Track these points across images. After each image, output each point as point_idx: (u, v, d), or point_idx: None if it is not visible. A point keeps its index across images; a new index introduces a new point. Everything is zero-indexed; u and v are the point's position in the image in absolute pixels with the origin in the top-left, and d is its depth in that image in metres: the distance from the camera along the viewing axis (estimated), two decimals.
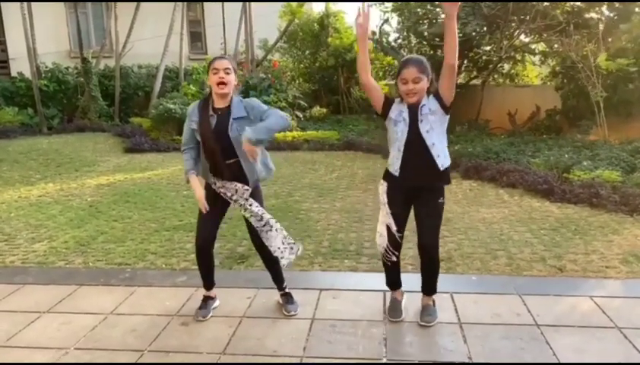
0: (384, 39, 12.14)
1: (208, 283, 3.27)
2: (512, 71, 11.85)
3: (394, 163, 2.93)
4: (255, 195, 3.09)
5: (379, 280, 3.37)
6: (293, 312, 3.20)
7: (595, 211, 5.36)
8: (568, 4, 9.58)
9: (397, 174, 2.93)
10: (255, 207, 3.06)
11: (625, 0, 9.16)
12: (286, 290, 3.33)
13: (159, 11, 12.95)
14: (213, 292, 3.31)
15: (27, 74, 12.00)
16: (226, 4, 14.26)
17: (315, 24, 13.72)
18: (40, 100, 11.48)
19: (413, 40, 11.80)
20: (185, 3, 13.00)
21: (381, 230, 3.03)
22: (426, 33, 10.68)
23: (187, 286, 3.65)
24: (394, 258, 3.05)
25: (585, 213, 5.31)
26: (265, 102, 10.84)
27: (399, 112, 2.90)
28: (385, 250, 3.02)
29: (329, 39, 13.22)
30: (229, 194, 3.05)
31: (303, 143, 9.69)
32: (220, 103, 3.01)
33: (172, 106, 9.92)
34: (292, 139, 9.81)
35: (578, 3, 9.57)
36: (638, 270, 3.83)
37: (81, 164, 8.34)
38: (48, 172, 7.82)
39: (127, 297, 3.50)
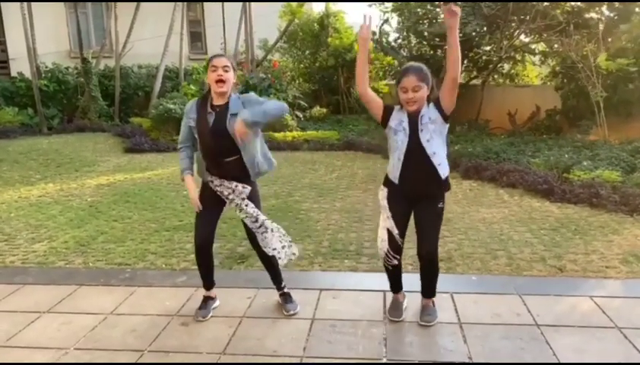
0: (384, 39, 12.14)
1: (208, 283, 3.27)
2: (512, 71, 11.85)
3: (394, 171, 2.92)
4: (253, 196, 3.08)
5: (379, 280, 3.37)
6: (292, 312, 3.20)
7: (595, 211, 5.36)
8: (568, 4, 9.58)
9: (396, 182, 2.92)
10: (251, 208, 3.05)
11: (626, 0, 9.16)
12: (285, 290, 3.32)
13: (159, 11, 12.95)
14: (213, 292, 3.31)
15: (27, 74, 12.00)
16: (226, 4, 14.26)
17: (315, 24, 13.72)
18: (40, 100, 11.48)
19: (413, 40, 11.80)
20: (185, 3, 13.01)
21: (382, 234, 3.02)
22: (426, 33, 10.68)
23: (187, 286, 3.65)
24: (395, 262, 3.05)
25: (585, 213, 5.32)
26: None
27: (399, 122, 2.88)
28: (386, 254, 3.01)
29: (329, 39, 13.22)
30: (225, 193, 3.04)
31: (303, 143, 9.69)
32: (218, 101, 3.00)
33: (172, 106, 9.92)
34: (292, 139, 9.81)
35: (578, 3, 9.57)
36: (638, 270, 3.83)
37: (81, 164, 8.34)
38: (48, 173, 7.82)
39: (127, 297, 3.50)
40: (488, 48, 10.40)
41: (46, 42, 12.86)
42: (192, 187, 3.11)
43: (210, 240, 3.14)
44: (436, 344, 2.88)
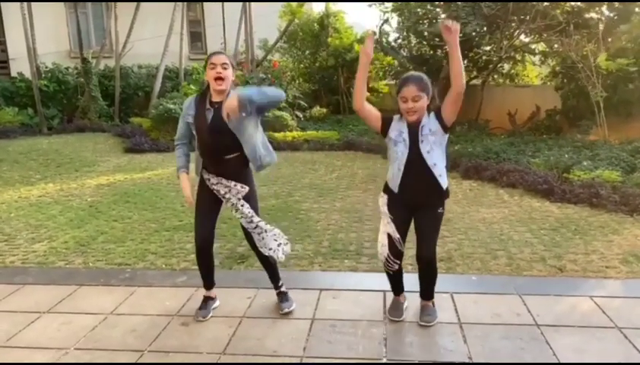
0: (384, 39, 12.14)
1: (208, 283, 3.27)
2: (512, 71, 11.86)
3: (394, 180, 2.92)
4: (250, 196, 3.08)
5: (379, 280, 3.37)
6: (286, 310, 3.20)
7: (595, 211, 5.36)
8: (568, 4, 9.58)
9: (396, 191, 2.92)
10: (246, 208, 3.05)
11: (626, 0, 9.16)
12: (282, 289, 3.32)
13: (159, 11, 12.95)
14: (214, 292, 3.31)
15: (27, 74, 12.00)
16: (226, 4, 14.26)
17: (315, 24, 13.73)
18: (40, 100, 11.48)
19: (413, 40, 11.81)
20: (185, 3, 13.01)
21: (382, 239, 3.02)
22: (426, 33, 10.68)
23: (187, 286, 3.65)
24: (396, 267, 3.04)
25: (585, 213, 5.32)
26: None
27: (399, 132, 2.87)
28: (387, 259, 3.01)
29: (329, 39, 13.23)
30: (222, 191, 3.03)
31: (303, 143, 9.69)
32: (217, 98, 3.00)
33: (172, 106, 9.92)
34: (292, 139, 9.81)
35: (578, 3, 9.57)
36: (638, 270, 3.83)
37: (81, 164, 8.34)
38: (48, 173, 7.82)
39: (127, 297, 3.50)
40: (488, 48, 10.41)
41: (46, 42, 12.85)
42: (187, 185, 3.11)
43: (211, 240, 3.14)
44: (436, 344, 2.88)
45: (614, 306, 3.22)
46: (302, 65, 14.07)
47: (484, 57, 10.64)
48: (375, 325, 3.06)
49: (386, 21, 11.81)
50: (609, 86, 8.37)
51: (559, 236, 4.63)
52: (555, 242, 4.47)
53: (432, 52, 11.32)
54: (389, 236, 2.97)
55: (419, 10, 10.78)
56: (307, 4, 13.99)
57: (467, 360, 2.68)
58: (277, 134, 9.72)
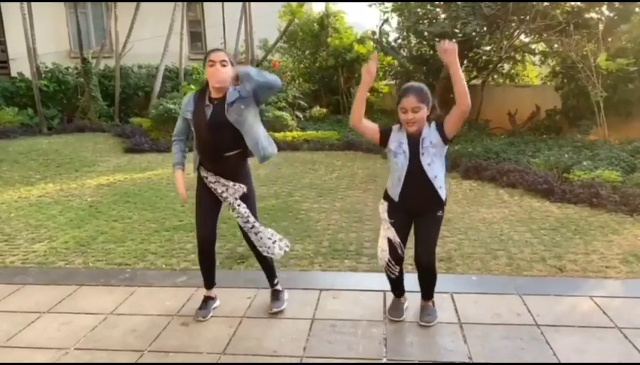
0: (384, 39, 12.14)
1: (209, 282, 3.27)
2: (512, 71, 11.85)
3: (394, 190, 2.92)
4: (248, 197, 3.08)
5: (379, 280, 3.37)
6: (275, 309, 3.20)
7: (595, 211, 5.36)
8: (568, 4, 9.58)
9: (397, 200, 2.92)
10: (243, 208, 3.05)
11: (626, 0, 9.16)
12: (277, 287, 3.33)
13: (159, 11, 12.94)
14: (214, 292, 3.31)
15: (27, 74, 12.00)
16: (226, 4, 14.25)
17: (315, 24, 13.72)
18: (40, 100, 11.48)
19: (413, 40, 11.81)
20: (185, 3, 13.00)
21: (382, 244, 3.01)
22: (426, 33, 10.68)
23: (187, 286, 3.65)
24: (397, 273, 3.04)
25: (585, 213, 5.32)
26: (265, 102, 10.88)
27: (399, 144, 2.86)
28: (388, 264, 3.01)
29: (329, 39, 13.22)
30: (219, 190, 3.03)
31: (303, 143, 9.69)
32: (216, 94, 2.99)
33: (172, 106, 9.92)
34: (292, 139, 9.82)
35: (578, 3, 9.57)
36: (638, 270, 3.83)
37: (81, 164, 8.34)
38: (48, 173, 7.82)
39: (127, 297, 3.50)
40: (488, 48, 10.41)
41: (46, 42, 12.85)
42: (181, 182, 3.13)
43: (213, 239, 3.15)
44: (436, 344, 2.88)
45: (614, 306, 3.22)
46: (302, 65, 14.06)
47: (484, 57, 10.64)
48: (375, 325, 3.06)
49: (386, 21, 11.82)
50: (609, 86, 8.37)
51: (559, 236, 4.63)
52: (555, 242, 4.47)
53: (432, 52, 11.31)
54: (389, 241, 2.97)
55: (419, 10, 10.78)
56: (307, 4, 13.97)
57: (467, 360, 2.68)
58: (277, 134, 9.72)
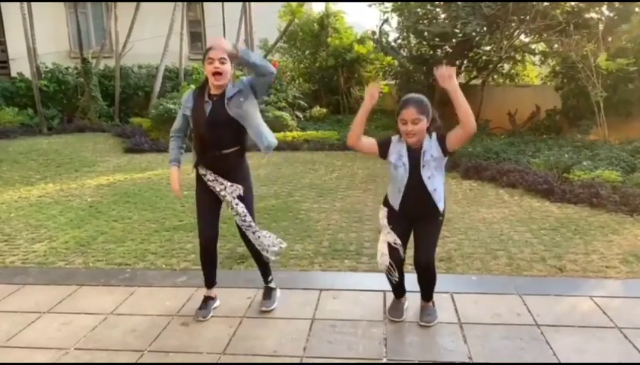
0: (384, 39, 12.14)
1: (210, 282, 3.27)
2: (512, 71, 11.85)
3: (394, 199, 2.93)
4: (246, 196, 3.08)
5: (379, 280, 3.37)
6: (264, 309, 3.21)
7: (595, 211, 5.36)
8: (568, 4, 9.58)
9: (397, 209, 2.94)
10: (241, 207, 3.05)
11: (626, 0, 9.16)
12: (271, 285, 3.33)
13: (159, 11, 12.94)
14: (214, 292, 3.31)
15: (27, 74, 12.00)
16: (226, 4, 14.25)
17: (315, 24, 13.72)
18: (40, 100, 11.48)
19: (413, 40, 11.81)
20: (185, 3, 13.01)
21: (382, 248, 3.02)
22: (426, 33, 10.67)
23: (187, 286, 3.65)
24: (397, 277, 3.04)
25: (585, 213, 5.32)
26: (265, 102, 10.88)
27: (398, 156, 2.86)
28: (388, 268, 3.01)
29: (329, 39, 13.23)
30: (217, 188, 3.03)
31: (303, 143, 9.69)
32: (215, 91, 3.00)
33: (172, 106, 9.92)
34: (292, 139, 9.82)
35: (578, 3, 9.57)
36: (638, 270, 3.83)
37: (81, 164, 8.34)
38: (48, 173, 7.83)
39: (127, 297, 3.50)
40: (488, 48, 10.41)
41: (46, 42, 12.85)
42: (176, 179, 3.14)
43: (215, 238, 3.15)
44: (436, 344, 2.88)
45: (614, 306, 3.22)
46: (302, 65, 14.06)
47: (484, 57, 10.64)
48: (375, 325, 3.06)
49: (386, 21, 11.81)
50: (609, 86, 8.37)
51: (559, 236, 4.63)
52: (555, 242, 4.47)
53: (432, 52, 11.31)
54: (389, 245, 2.97)
55: (419, 10, 10.77)
56: (307, 4, 13.98)
57: (467, 360, 2.68)
58: (277, 134, 9.67)
